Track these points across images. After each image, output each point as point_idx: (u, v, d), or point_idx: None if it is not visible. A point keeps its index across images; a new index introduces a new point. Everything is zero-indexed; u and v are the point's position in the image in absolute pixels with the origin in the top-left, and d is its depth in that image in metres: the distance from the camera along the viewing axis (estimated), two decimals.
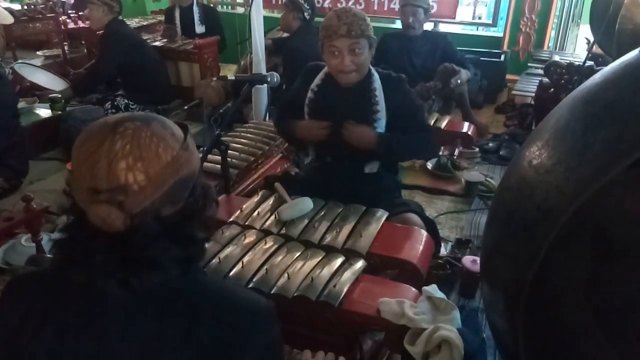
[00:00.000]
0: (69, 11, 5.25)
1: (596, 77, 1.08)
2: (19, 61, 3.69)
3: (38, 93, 3.44)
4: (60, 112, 3.27)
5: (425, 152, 2.17)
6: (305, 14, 3.52)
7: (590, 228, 1.04)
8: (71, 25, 4.91)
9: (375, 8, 4.94)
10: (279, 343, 0.91)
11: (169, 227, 0.80)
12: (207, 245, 0.89)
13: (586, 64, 3.11)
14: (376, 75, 1.95)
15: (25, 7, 4.42)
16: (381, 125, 1.96)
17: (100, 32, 3.74)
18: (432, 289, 1.47)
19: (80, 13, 4.92)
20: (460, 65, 3.42)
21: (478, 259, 1.96)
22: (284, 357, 1.11)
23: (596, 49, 3.48)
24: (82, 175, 0.76)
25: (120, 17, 3.71)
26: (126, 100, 3.65)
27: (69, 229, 0.81)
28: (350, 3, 4.97)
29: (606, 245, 1.03)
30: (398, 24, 5.48)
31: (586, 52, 3.26)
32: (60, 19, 4.66)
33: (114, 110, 3.55)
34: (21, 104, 3.07)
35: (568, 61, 3.60)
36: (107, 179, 0.74)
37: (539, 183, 1.07)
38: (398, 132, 1.95)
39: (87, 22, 4.23)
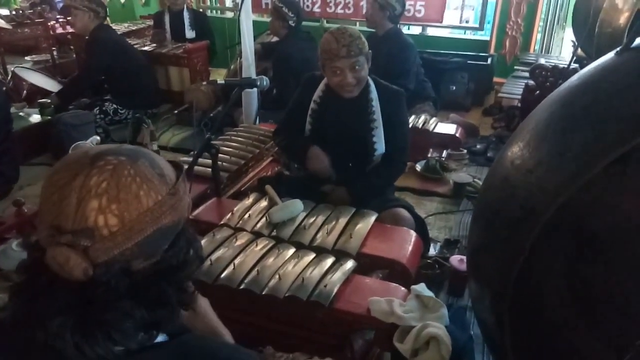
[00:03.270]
0: (57, 16, 5.24)
1: (574, 80, 1.12)
2: (17, 65, 3.68)
3: (42, 100, 3.41)
4: (49, 117, 3.27)
5: (395, 179, 2.24)
6: (291, 21, 3.55)
7: (571, 224, 1.08)
8: (59, 30, 4.91)
9: (364, 12, 4.97)
10: None
11: (138, 285, 0.69)
12: (180, 305, 0.76)
13: (571, 67, 3.17)
14: (373, 86, 2.02)
15: (14, 13, 4.41)
16: (379, 135, 2.03)
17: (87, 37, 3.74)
18: (421, 288, 1.50)
19: (68, 18, 4.91)
20: (398, 77, 3.30)
21: (465, 258, 1.99)
22: None
23: (581, 52, 3.55)
24: (48, 209, 0.66)
25: (106, 22, 3.71)
26: (114, 105, 3.65)
27: (28, 269, 0.70)
28: (339, 8, 5.00)
29: (587, 241, 1.07)
30: None
31: (571, 55, 3.31)
32: (49, 24, 4.65)
33: (102, 116, 3.56)
34: (11, 109, 3.06)
35: (553, 64, 3.66)
36: (73, 218, 0.64)
37: (522, 182, 1.10)
38: (387, 141, 2.04)
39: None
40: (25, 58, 4.58)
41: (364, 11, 5.01)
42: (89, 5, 3.45)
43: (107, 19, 5.23)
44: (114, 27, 4.92)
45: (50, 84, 3.87)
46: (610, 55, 1.09)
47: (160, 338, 0.74)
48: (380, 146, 2.04)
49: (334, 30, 1.92)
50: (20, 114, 3.29)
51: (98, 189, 0.65)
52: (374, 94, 2.02)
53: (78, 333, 0.65)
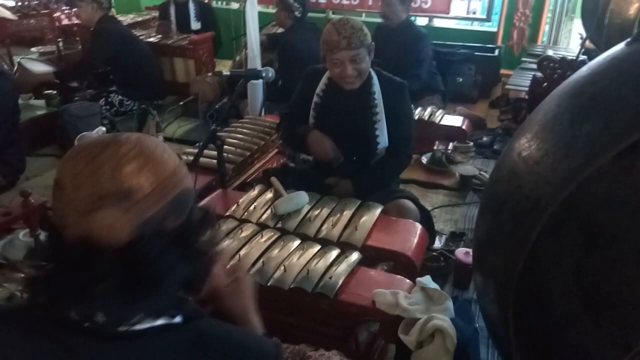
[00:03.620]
0: (63, 7, 5.24)
1: (583, 70, 1.11)
2: (23, 57, 3.70)
3: (48, 91, 3.43)
4: (56, 109, 3.28)
5: (400, 172, 2.22)
6: (296, 12, 3.54)
7: (579, 217, 1.07)
8: (65, 22, 4.90)
9: (370, 3, 4.94)
10: None
11: (175, 241, 0.73)
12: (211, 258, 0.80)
13: (579, 59, 3.14)
14: (375, 79, 2.01)
15: (19, 4, 4.40)
16: (382, 128, 2.02)
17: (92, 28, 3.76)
18: (426, 280, 1.49)
19: (74, 9, 4.91)
20: (411, 67, 3.37)
21: (471, 251, 1.99)
22: None
23: (589, 44, 3.51)
24: (81, 184, 0.68)
25: (110, 13, 3.72)
26: (120, 97, 3.66)
27: (51, 259, 0.71)
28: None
29: (594, 234, 1.06)
30: None
31: (579, 47, 3.28)
32: (54, 15, 4.65)
33: (108, 107, 3.58)
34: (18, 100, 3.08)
35: (561, 56, 3.62)
36: (110, 184, 0.68)
37: (528, 174, 1.10)
38: (389, 135, 2.02)
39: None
40: (31, 49, 4.58)
41: (370, 2, 5.01)
42: None
43: (113, 10, 5.24)
44: (119, 18, 4.93)
45: None
46: (620, 46, 1.08)
47: (177, 319, 0.77)
48: (382, 139, 2.03)
49: (336, 21, 1.91)
50: (29, 103, 3.30)
51: (130, 154, 0.71)
52: (376, 86, 2.00)
53: (120, 299, 0.68)
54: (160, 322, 0.74)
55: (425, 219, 1.99)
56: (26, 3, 4.52)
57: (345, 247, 1.67)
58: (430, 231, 1.95)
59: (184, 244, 0.75)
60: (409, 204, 1.98)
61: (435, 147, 3.24)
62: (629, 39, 1.07)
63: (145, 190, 0.70)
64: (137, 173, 0.70)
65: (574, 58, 3.26)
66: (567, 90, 1.11)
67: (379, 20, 5.19)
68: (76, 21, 4.82)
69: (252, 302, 1.07)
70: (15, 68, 3.67)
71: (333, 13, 5.28)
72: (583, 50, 3.28)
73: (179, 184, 0.75)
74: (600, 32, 2.48)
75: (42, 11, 4.47)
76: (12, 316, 0.75)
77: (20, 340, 0.72)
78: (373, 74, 2.02)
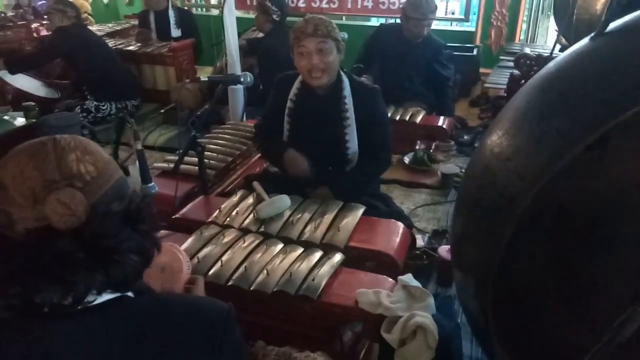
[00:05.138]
0: (42, 20, 5.19)
1: (550, 66, 1.13)
2: (2, 69, 3.68)
3: (26, 103, 3.40)
4: (34, 120, 3.23)
5: (376, 176, 2.24)
6: (274, 16, 3.55)
7: (552, 210, 1.08)
8: (44, 32, 4.85)
9: (349, 6, 4.97)
10: (244, 342, 0.94)
11: (123, 221, 0.79)
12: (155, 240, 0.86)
13: (554, 55, 3.19)
14: (346, 82, 2.00)
15: None
16: (352, 133, 2.01)
17: None
18: (408, 278, 1.51)
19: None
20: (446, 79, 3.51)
21: None
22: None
23: (565, 41, 3.57)
24: (28, 176, 0.73)
25: (87, 22, 3.80)
26: (95, 102, 3.75)
27: (3, 259, 0.74)
28: (324, 2, 5.00)
29: (567, 226, 1.08)
30: (373, 22, 5.55)
31: (553, 44, 3.33)
32: (32, 26, 4.60)
33: (85, 114, 3.65)
34: None
35: (537, 53, 3.68)
36: (59, 170, 0.74)
37: (501, 170, 1.11)
38: (364, 140, 2.03)
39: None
40: None
41: (349, 5, 5.03)
42: (56, 7, 3.64)
43: (91, 19, 5.21)
44: (98, 28, 4.90)
45: (36, 86, 3.86)
46: (585, 40, 1.10)
47: (130, 294, 0.83)
48: (352, 145, 2.02)
49: (307, 16, 1.94)
50: (5, 117, 3.25)
51: (69, 146, 0.77)
52: (347, 90, 1.99)
53: (82, 275, 0.73)
54: (115, 295, 0.80)
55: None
56: (2, 15, 4.46)
57: (328, 249, 1.68)
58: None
59: (131, 223, 0.80)
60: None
61: (417, 147, 3.27)
62: (592, 34, 1.09)
63: (92, 174, 0.76)
64: (81, 160, 0.76)
65: (549, 54, 3.31)
66: (536, 86, 1.13)
67: (359, 23, 5.23)
68: None
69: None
70: None
71: None
72: (560, 47, 3.33)
73: (115, 172, 0.81)
74: (572, 29, 2.53)
75: (19, 22, 4.43)
76: None
77: None
78: (344, 77, 2.01)
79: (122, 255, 0.76)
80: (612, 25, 1.09)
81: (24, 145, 0.78)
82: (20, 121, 3.25)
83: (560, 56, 1.16)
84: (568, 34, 3.16)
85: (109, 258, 0.75)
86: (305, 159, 2.02)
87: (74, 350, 0.74)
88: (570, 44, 3.32)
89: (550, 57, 3.17)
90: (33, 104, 3.32)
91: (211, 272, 1.56)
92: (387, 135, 2.10)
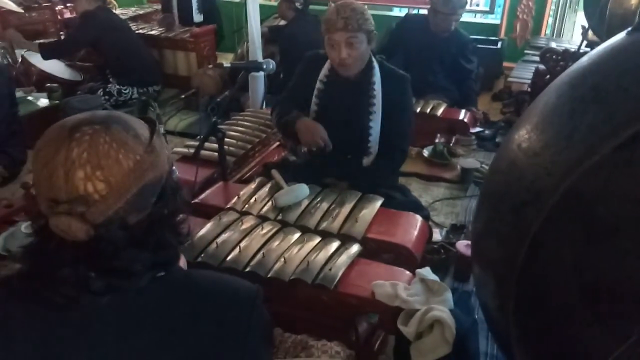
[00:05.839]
0: (65, 1, 5.23)
1: (583, 60, 1.10)
2: (28, 50, 3.73)
3: (50, 85, 3.45)
4: (57, 102, 3.28)
5: (395, 169, 2.22)
6: (297, 4, 3.53)
7: (579, 209, 1.06)
8: (67, 15, 4.89)
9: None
10: (270, 325, 0.94)
11: (137, 235, 0.75)
12: (182, 246, 0.85)
13: (582, 50, 3.12)
14: (377, 69, 1.98)
15: None
16: (376, 120, 1.99)
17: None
18: (425, 272, 1.50)
19: (70, 4, 4.92)
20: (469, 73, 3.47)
21: None
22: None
23: (593, 36, 3.48)
24: (41, 184, 0.72)
25: (111, 5, 3.80)
26: (117, 86, 3.74)
27: (37, 234, 0.76)
28: None
29: (594, 226, 1.06)
30: (395, 12, 5.48)
31: (581, 38, 3.26)
32: (57, 8, 4.65)
33: (107, 97, 3.65)
34: (19, 94, 3.08)
35: (564, 48, 3.60)
36: (65, 190, 0.70)
37: (528, 166, 1.09)
38: (386, 127, 2.00)
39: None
40: (33, 42, 4.58)
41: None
42: None
43: (115, 2, 5.23)
44: (121, 12, 4.91)
45: (60, 68, 3.89)
46: (621, 35, 1.07)
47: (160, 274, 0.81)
48: (375, 132, 2.00)
49: (339, 3, 1.90)
50: (29, 98, 3.30)
51: (80, 160, 0.70)
52: (377, 77, 1.97)
53: (91, 279, 0.72)
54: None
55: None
56: None
57: (346, 239, 1.68)
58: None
59: (148, 237, 0.77)
60: None
61: (437, 140, 3.23)
62: (629, 29, 1.06)
63: (101, 193, 0.71)
64: (89, 179, 0.70)
65: (576, 50, 3.24)
66: (567, 81, 1.11)
67: (381, 13, 5.17)
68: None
69: None
70: (19, 61, 3.68)
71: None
72: (586, 42, 3.25)
73: (138, 181, 0.73)
74: (602, 23, 2.46)
75: (44, 4, 4.47)
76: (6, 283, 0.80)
77: (18, 302, 0.77)
78: (375, 64, 1.99)
79: (127, 274, 0.74)
80: None
81: (47, 139, 0.73)
82: (43, 102, 3.30)
83: (594, 51, 1.13)
84: (599, 29, 3.07)
85: (112, 276, 0.74)
86: (320, 127, 1.96)
87: (106, 321, 0.76)
88: (601, 39, 3.25)
89: (578, 52, 3.11)
90: (57, 85, 3.37)
91: (229, 257, 1.57)
92: (409, 124, 2.08)
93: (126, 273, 0.74)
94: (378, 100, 1.98)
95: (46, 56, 3.62)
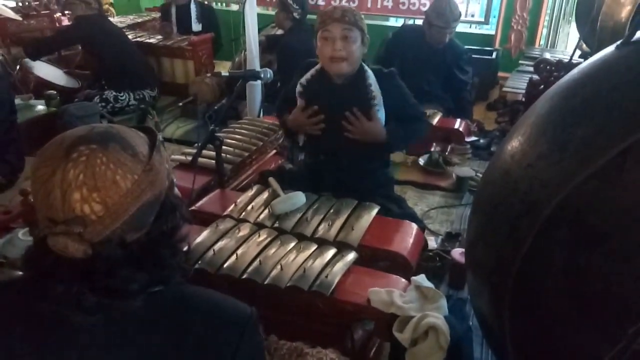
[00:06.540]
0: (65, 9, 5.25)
1: (574, 73, 1.12)
2: (26, 57, 3.75)
3: (48, 92, 3.47)
4: (55, 109, 3.29)
5: (418, 138, 2.25)
6: (295, 14, 3.56)
7: (569, 217, 1.09)
8: (65, 22, 4.91)
9: (369, 5, 4.97)
10: (262, 351, 0.92)
11: (134, 254, 0.75)
12: (179, 265, 0.83)
13: (575, 61, 3.16)
14: (369, 72, 2.00)
15: (20, 4, 4.41)
16: (380, 119, 2.01)
17: None
18: (421, 279, 1.51)
19: (67, 12, 4.94)
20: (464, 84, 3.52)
21: None
22: None
23: (586, 47, 3.53)
24: (39, 203, 0.72)
25: (101, 11, 3.86)
26: (114, 93, 3.76)
27: (37, 246, 0.75)
28: (343, 1, 5.00)
29: (583, 233, 1.08)
30: (392, 22, 5.53)
31: (573, 49, 3.30)
32: (55, 15, 4.66)
33: (104, 104, 3.68)
34: (17, 100, 3.09)
35: (558, 58, 3.65)
36: (62, 210, 0.70)
37: (522, 177, 1.11)
38: (397, 122, 2.03)
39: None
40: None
41: (369, 4, 5.01)
42: None
43: (112, 10, 5.26)
44: (119, 20, 4.94)
45: (58, 75, 3.92)
46: (611, 48, 1.10)
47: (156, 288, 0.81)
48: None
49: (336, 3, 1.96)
50: (27, 104, 3.31)
51: (77, 181, 0.69)
52: (372, 79, 1.98)
53: (85, 298, 0.71)
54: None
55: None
56: (27, 3, 4.52)
57: (342, 247, 1.69)
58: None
59: (146, 255, 0.76)
60: None
61: (432, 149, 3.26)
62: (619, 42, 1.08)
63: (98, 214, 0.70)
64: (86, 200, 0.70)
65: (569, 60, 3.28)
66: (559, 92, 1.13)
67: (378, 23, 5.21)
68: None
69: None
70: (18, 68, 3.69)
71: None
72: (580, 53, 3.30)
73: (136, 201, 0.73)
74: (593, 35, 2.50)
75: (43, 12, 4.49)
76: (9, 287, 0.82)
77: (19, 305, 0.77)
78: (366, 67, 2.01)
79: (122, 293, 0.73)
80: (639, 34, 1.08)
81: (45, 156, 0.73)
82: (40, 109, 3.31)
83: (585, 63, 1.15)
84: (590, 40, 3.12)
85: (106, 295, 0.73)
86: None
87: (98, 336, 0.75)
88: (592, 50, 3.30)
89: (570, 63, 3.15)
90: (55, 92, 3.38)
91: (226, 264, 1.58)
92: (419, 108, 2.13)
93: (121, 292, 0.73)
94: (379, 100, 1.99)
95: (32, 55, 3.65)
